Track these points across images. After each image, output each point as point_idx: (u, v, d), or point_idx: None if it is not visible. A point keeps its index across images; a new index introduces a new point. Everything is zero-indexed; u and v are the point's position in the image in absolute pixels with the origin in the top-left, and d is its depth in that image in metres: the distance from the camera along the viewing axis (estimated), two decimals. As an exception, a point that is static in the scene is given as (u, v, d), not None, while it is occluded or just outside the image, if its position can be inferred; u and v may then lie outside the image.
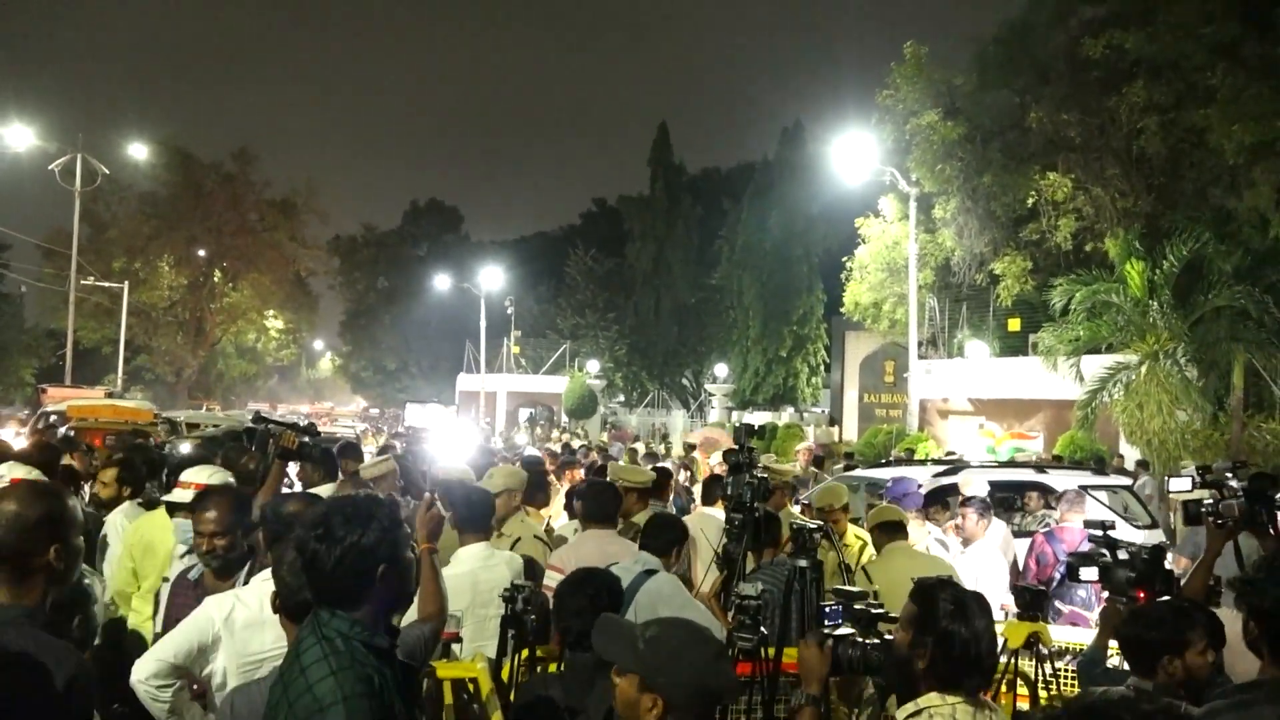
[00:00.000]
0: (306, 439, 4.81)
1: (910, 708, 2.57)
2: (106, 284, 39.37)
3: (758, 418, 32.65)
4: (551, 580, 4.85)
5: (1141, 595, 3.96)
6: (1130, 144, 19.13)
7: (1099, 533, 3.99)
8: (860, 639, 2.89)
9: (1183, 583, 4.00)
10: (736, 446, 4.53)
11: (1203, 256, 17.35)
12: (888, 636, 2.94)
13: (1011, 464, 12.05)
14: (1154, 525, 9.50)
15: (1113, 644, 3.86)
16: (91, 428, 11.34)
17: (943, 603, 2.52)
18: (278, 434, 4.77)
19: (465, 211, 61.89)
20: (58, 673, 2.11)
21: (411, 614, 3.11)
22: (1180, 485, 4.45)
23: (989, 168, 20.73)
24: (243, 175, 50.44)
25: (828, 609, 3.03)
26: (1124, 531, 8.10)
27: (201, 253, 49.63)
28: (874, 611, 3.00)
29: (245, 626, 3.11)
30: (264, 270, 50.75)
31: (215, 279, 51.14)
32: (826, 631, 2.96)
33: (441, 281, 45.52)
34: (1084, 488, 9.15)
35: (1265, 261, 17.63)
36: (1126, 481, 10.97)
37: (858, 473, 11.33)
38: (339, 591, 2.20)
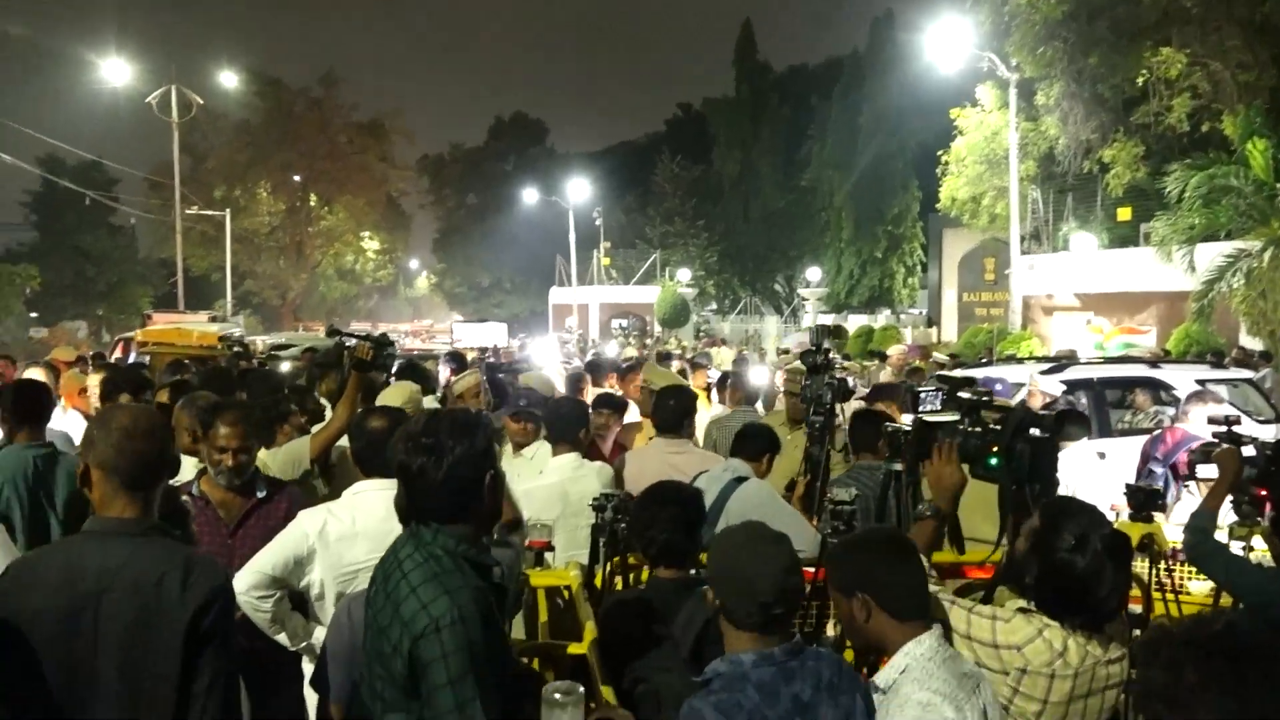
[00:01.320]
0: (382, 349, 4.80)
1: (1022, 603, 2.46)
2: (210, 212, 40.59)
3: (853, 321, 32.09)
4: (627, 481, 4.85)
5: (1263, 493, 3.73)
6: (1254, 11, 17.65)
7: (1222, 428, 3.74)
8: (962, 425, 2.82)
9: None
10: (814, 347, 4.38)
11: (1335, 131, 16.14)
12: (993, 426, 2.84)
13: (1123, 360, 11.52)
14: (1278, 419, 8.96)
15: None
16: (164, 352, 11.34)
17: (1066, 531, 2.35)
18: (353, 346, 4.78)
19: (550, 124, 61.23)
20: (214, 578, 2.17)
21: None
22: None
23: (1096, 47, 19.43)
24: (330, 99, 50.95)
25: (924, 393, 2.94)
26: (1246, 427, 7.68)
27: (296, 177, 50.62)
28: (977, 399, 2.88)
29: (339, 539, 3.16)
30: (356, 192, 51.53)
31: (311, 203, 52.21)
32: (922, 413, 2.89)
33: (529, 195, 45.53)
34: (1201, 382, 8.69)
35: (1406, 133, 16.25)
36: (1248, 374, 10.33)
37: (955, 374, 10.99)
38: (446, 505, 2.15)
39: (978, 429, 2.82)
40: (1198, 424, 6.27)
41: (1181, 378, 8.86)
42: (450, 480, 2.12)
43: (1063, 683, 2.35)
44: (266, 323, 47.79)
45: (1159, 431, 6.52)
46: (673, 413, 4.85)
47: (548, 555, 4.01)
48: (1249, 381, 9.74)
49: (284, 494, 3.70)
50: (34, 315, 41.86)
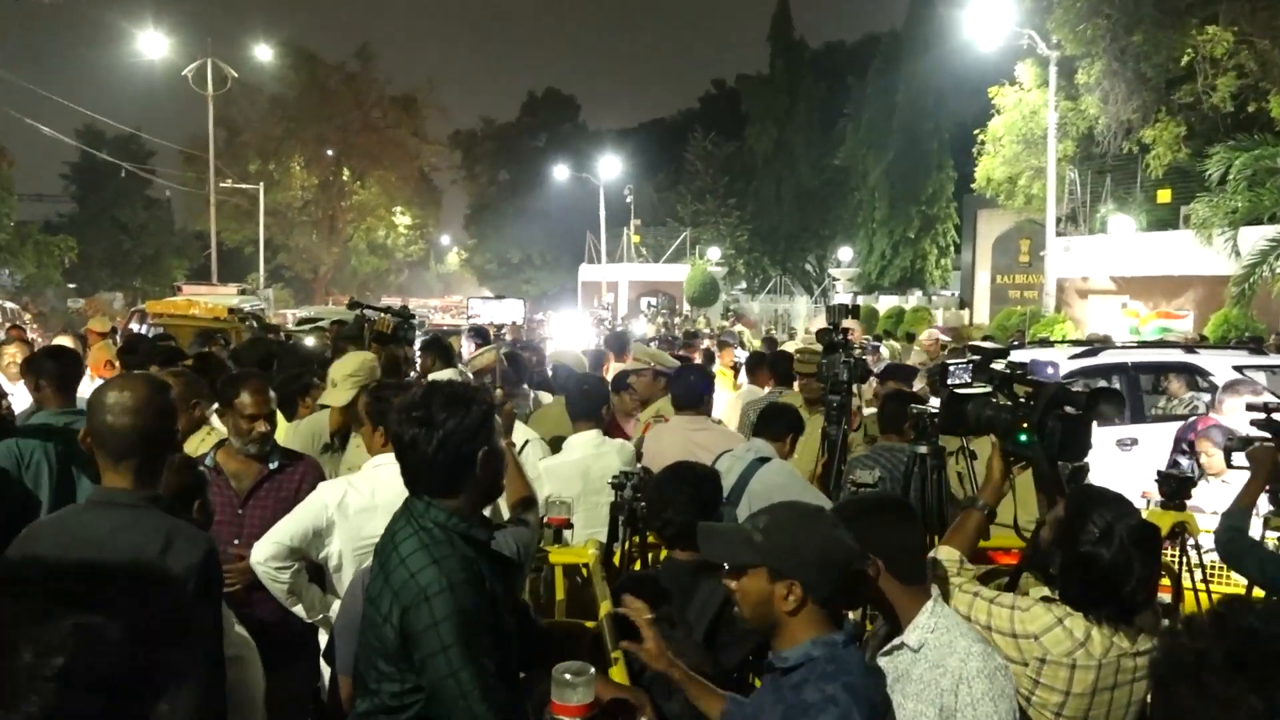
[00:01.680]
0: (404, 322, 4.80)
1: (1046, 591, 2.41)
2: (244, 186, 40.88)
3: (884, 302, 31.80)
4: (646, 458, 4.84)
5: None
6: (1306, -12, 17.16)
7: (1261, 415, 3.63)
8: (994, 399, 2.76)
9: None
10: (831, 326, 4.33)
11: (1386, 112, 15.68)
12: (1022, 400, 2.78)
13: (1159, 344, 11.30)
14: None
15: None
16: (176, 324, 11.26)
17: (1092, 523, 2.29)
18: (374, 319, 4.78)
19: (582, 100, 61.18)
20: (191, 554, 2.15)
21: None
22: None
23: (1139, 24, 18.98)
24: (364, 73, 51.05)
25: (953, 366, 2.88)
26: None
27: (330, 152, 50.85)
28: (1009, 372, 2.83)
29: (358, 511, 3.16)
30: (389, 167, 51.70)
31: (344, 177, 52.45)
32: (952, 385, 2.84)
33: (560, 172, 45.45)
34: (1239, 368, 8.50)
35: None
36: None
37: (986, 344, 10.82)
38: (438, 478, 2.14)
39: (1009, 403, 2.76)
40: (1232, 414, 6.12)
41: (1218, 363, 8.67)
42: (441, 453, 2.10)
43: (1085, 673, 2.29)
44: (299, 296, 48.19)
45: (1192, 419, 6.38)
46: (693, 389, 4.83)
47: (566, 533, 3.99)
48: None
49: (299, 466, 3.69)
50: (72, 286, 42.49)
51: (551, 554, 3.82)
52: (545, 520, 4.01)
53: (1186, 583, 3.93)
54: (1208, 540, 4.36)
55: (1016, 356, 9.09)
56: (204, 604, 2.17)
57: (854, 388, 4.05)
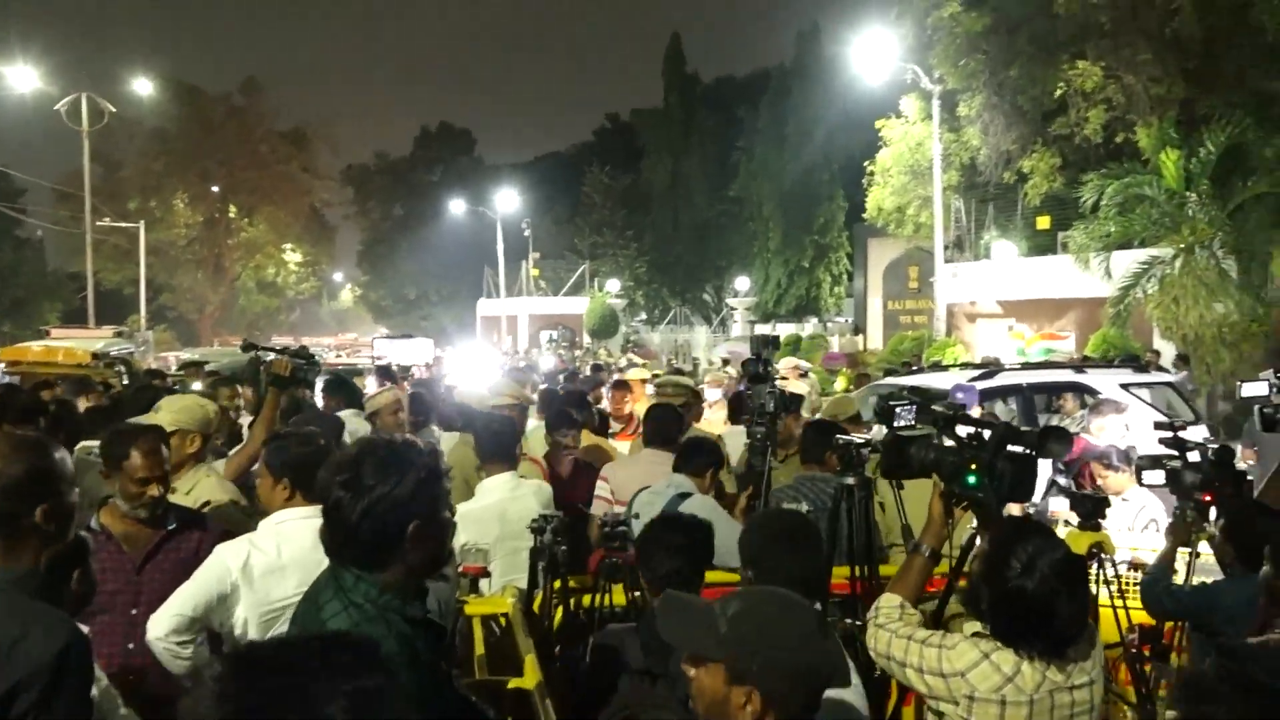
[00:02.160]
0: (302, 363, 4.56)
1: (979, 626, 2.36)
2: (123, 224, 39.18)
3: (781, 329, 32.34)
4: (601, 490, 4.72)
5: (1208, 498, 3.74)
6: (1163, 26, 18.24)
7: (1169, 434, 3.73)
8: (936, 440, 2.72)
9: (1257, 492, 3.75)
10: (755, 357, 4.32)
11: (1241, 143, 16.75)
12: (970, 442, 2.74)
13: (1049, 364, 11.72)
14: (1197, 421, 9.15)
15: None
16: (36, 372, 10.45)
17: (1015, 557, 2.25)
18: (269, 361, 4.53)
19: (477, 134, 60.69)
20: (48, 645, 1.89)
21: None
22: (1255, 389, 4.19)
23: (1016, 59, 19.90)
24: (251, 107, 49.79)
25: (898, 408, 2.83)
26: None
27: (215, 188, 49.30)
28: (952, 413, 2.79)
29: (265, 574, 2.92)
30: (279, 203, 50.43)
31: (231, 214, 50.90)
32: (898, 428, 2.79)
33: (456, 206, 45.04)
34: (1126, 385, 8.85)
35: (1308, 145, 16.92)
36: (1170, 378, 10.59)
37: (889, 380, 11.05)
38: (363, 548, 1.90)
39: (954, 444, 2.71)
40: (1100, 434, 6.35)
41: (1106, 382, 9.00)
42: (366, 522, 1.87)
43: (1017, 709, 2.25)
44: (183, 338, 46.34)
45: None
46: (663, 426, 4.80)
47: (482, 582, 3.82)
48: (1170, 385, 9.96)
49: (198, 524, 3.41)
50: (-67, 332, 39.94)
51: (468, 605, 3.64)
52: (461, 569, 3.83)
53: (1104, 599, 3.99)
54: (1121, 556, 4.44)
55: (914, 380, 9.30)
56: (59, 700, 1.88)
57: (779, 419, 4.00)
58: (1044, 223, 22.46)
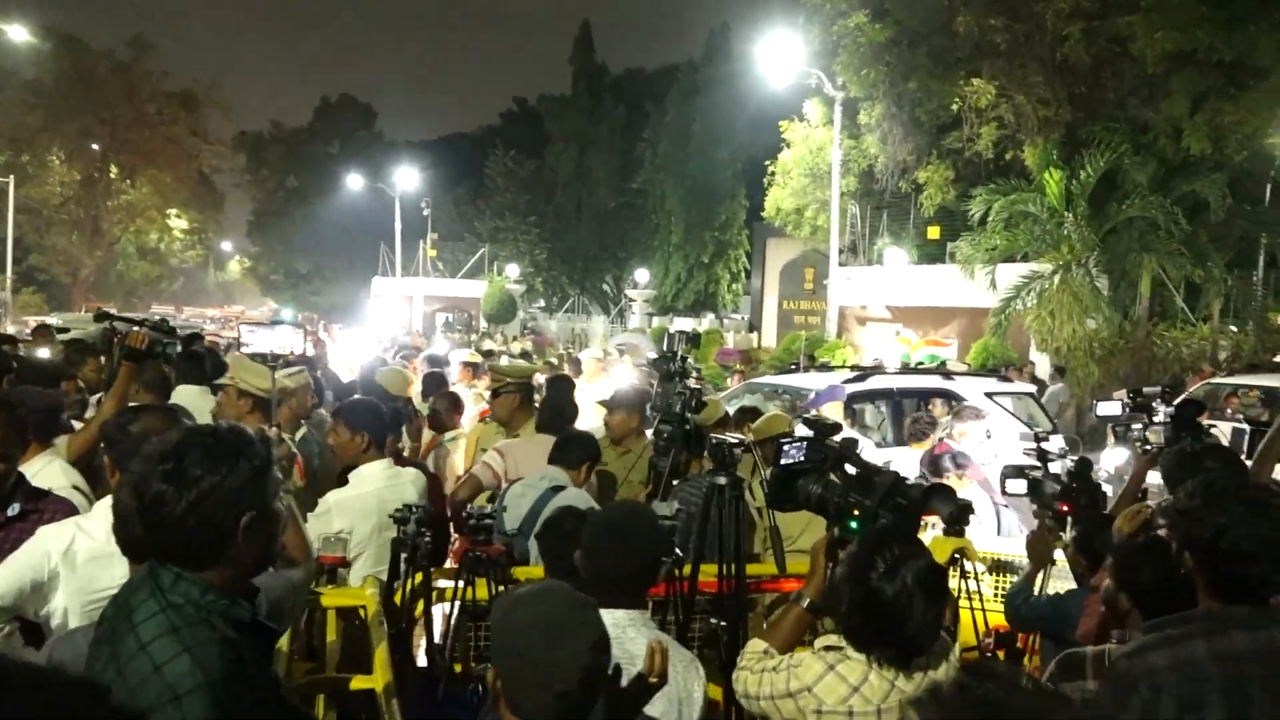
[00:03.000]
0: (161, 336, 4.27)
1: (832, 640, 2.35)
2: (-10, 178, 36.84)
3: (678, 324, 32.50)
4: (493, 461, 4.59)
5: (1066, 509, 3.85)
6: (1054, 51, 19.00)
7: (1033, 445, 3.82)
8: (829, 478, 2.68)
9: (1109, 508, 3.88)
10: (669, 354, 4.19)
11: (1118, 167, 17.56)
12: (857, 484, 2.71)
13: (920, 371, 12.09)
14: (1054, 431, 9.54)
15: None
16: None
17: (880, 558, 2.24)
18: (124, 332, 4.22)
19: (379, 109, 59.26)
20: None
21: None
22: (1110, 409, 4.34)
23: (915, 72, 20.43)
24: (138, 64, 47.37)
25: (786, 446, 2.77)
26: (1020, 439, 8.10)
27: (95, 146, 46.80)
28: (843, 451, 2.75)
29: (89, 560, 2.69)
30: (164, 166, 48.17)
31: (111, 174, 48.39)
32: (785, 461, 2.74)
33: (354, 181, 43.83)
34: (990, 394, 9.19)
35: (1177, 173, 17.89)
36: (1030, 388, 11.05)
37: (765, 379, 11.20)
38: (188, 547, 1.74)
39: (841, 485, 2.68)
40: (962, 440, 6.56)
41: (971, 389, 9.33)
42: (193, 518, 1.71)
43: None
44: (54, 302, 43.90)
45: (931, 448, 6.79)
46: (560, 412, 4.68)
47: (341, 571, 3.65)
48: (1030, 395, 10.39)
49: (46, 506, 3.07)
50: None
51: (325, 595, 3.47)
52: (318, 558, 3.66)
53: (964, 606, 4.07)
54: (983, 565, 4.55)
55: (798, 380, 9.42)
56: None
57: (687, 418, 3.88)
58: (934, 233, 23.13)
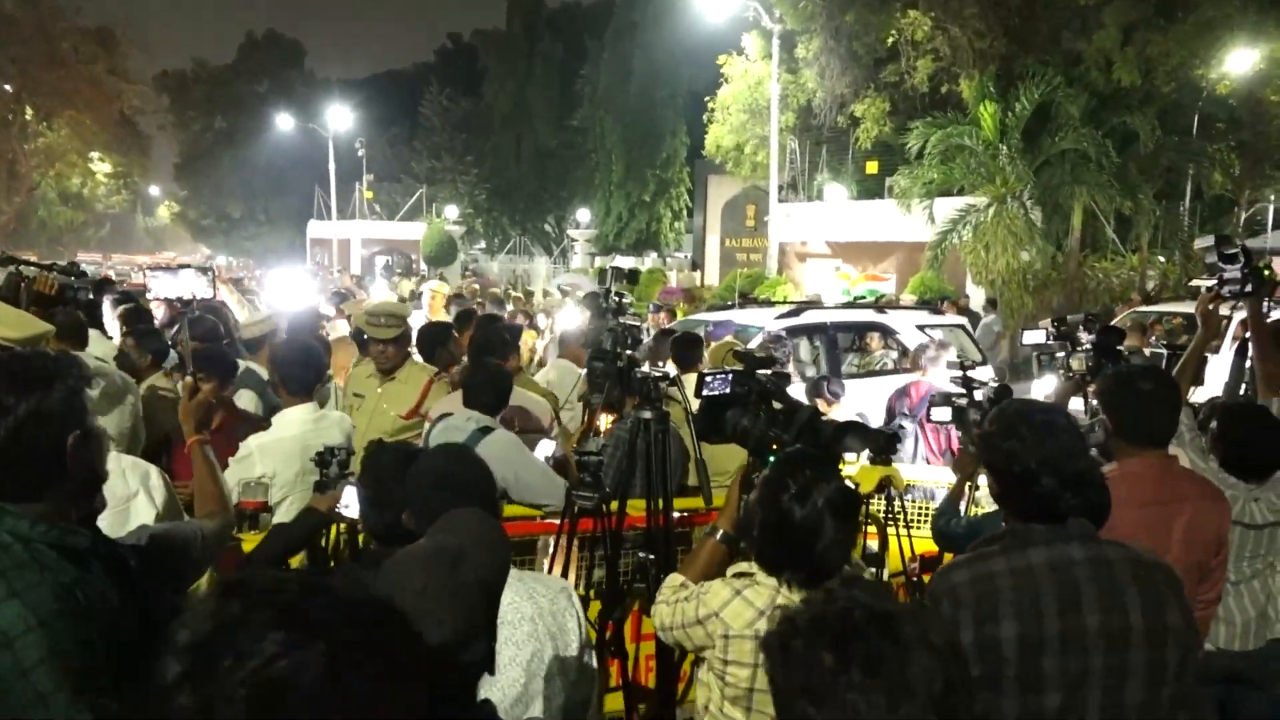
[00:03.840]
0: (72, 281, 4.12)
1: (743, 566, 2.36)
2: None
3: (620, 263, 32.36)
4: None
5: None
6: (989, -17, 18.96)
7: (959, 373, 3.86)
8: (755, 411, 2.67)
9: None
10: (605, 291, 4.14)
11: (1052, 100, 17.69)
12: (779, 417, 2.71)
13: (853, 306, 12.23)
14: (984, 362, 9.75)
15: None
16: None
17: (792, 479, 2.25)
18: (32, 278, 4.06)
19: (308, 46, 57.10)
20: None
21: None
22: (1034, 337, 4.41)
23: (852, 5, 20.28)
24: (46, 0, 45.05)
25: (709, 378, 2.77)
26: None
27: (7, 88, 44.64)
28: (770, 386, 2.76)
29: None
30: (83, 108, 46.09)
31: (26, 116, 46.28)
32: (708, 393, 2.72)
33: (285, 122, 42.55)
34: (921, 326, 9.33)
35: (1108, 105, 18.09)
36: (961, 320, 11.25)
37: (698, 316, 11.24)
38: (14, 478, 1.67)
39: (765, 418, 2.67)
40: (938, 375, 6.64)
41: (904, 322, 9.49)
42: (15, 448, 1.66)
43: None
44: (-28, 251, 42.14)
45: (904, 385, 6.87)
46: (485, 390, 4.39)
47: (264, 516, 3.59)
48: (961, 327, 10.60)
49: None
50: None
51: (245, 542, 3.41)
52: (240, 503, 3.59)
53: (892, 530, 4.15)
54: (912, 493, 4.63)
55: (731, 315, 9.43)
56: None
57: (620, 354, 3.83)
58: (872, 168, 23.22)
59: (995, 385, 3.94)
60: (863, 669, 1.21)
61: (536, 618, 2.20)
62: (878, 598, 1.28)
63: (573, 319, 9.79)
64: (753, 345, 7.04)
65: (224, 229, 53.51)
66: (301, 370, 4.17)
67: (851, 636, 1.24)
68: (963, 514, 3.61)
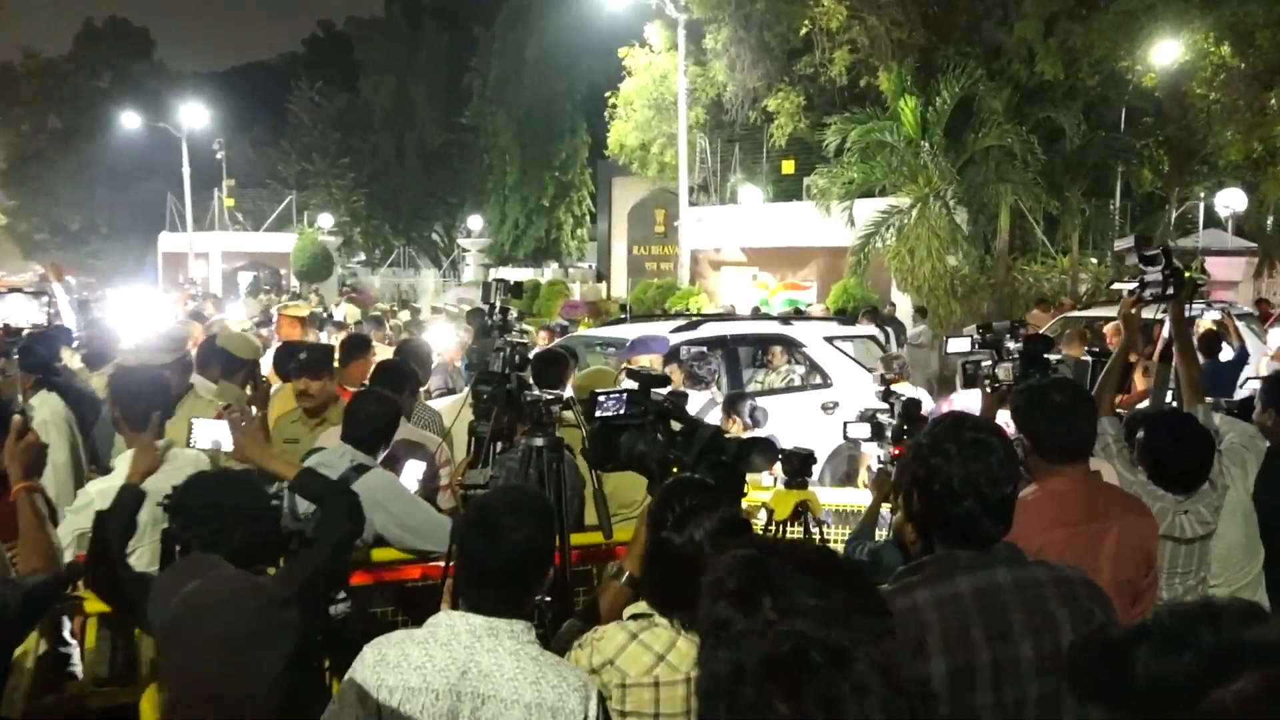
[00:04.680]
0: None
1: (640, 606, 2.37)
2: None
3: (519, 275, 32.27)
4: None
5: (897, 451, 4.03)
6: (906, -30, 19.59)
7: (880, 387, 3.97)
8: (653, 433, 2.68)
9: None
10: (489, 305, 4.13)
11: (974, 94, 18.32)
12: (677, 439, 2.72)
13: (756, 317, 12.40)
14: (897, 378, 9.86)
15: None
16: None
17: (671, 509, 2.27)
18: None
19: (157, 35, 55.80)
20: None
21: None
22: (959, 346, 4.53)
23: (762, -8, 20.72)
24: None
25: (602, 399, 2.75)
26: (867, 381, 8.38)
27: None
28: (668, 405, 2.76)
29: None
30: (-111, 105, 44.06)
31: None
32: (600, 415, 2.71)
33: (131, 120, 41.26)
34: (830, 339, 9.50)
35: (1032, 99, 18.83)
36: (872, 330, 11.48)
37: (584, 333, 11.27)
38: None
39: (663, 440, 2.68)
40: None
41: (811, 335, 9.60)
42: None
43: (672, 690, 2.28)
44: None
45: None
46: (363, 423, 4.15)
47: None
48: (872, 338, 10.84)
49: None
50: None
51: (87, 601, 3.29)
52: (77, 557, 3.46)
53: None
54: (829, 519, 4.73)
55: (620, 332, 9.40)
56: None
57: (509, 376, 3.79)
58: (789, 167, 23.65)
59: (905, 399, 4.06)
60: (823, 716, 1.17)
61: (533, 708, 2.13)
62: (826, 624, 1.23)
63: (447, 338, 9.72)
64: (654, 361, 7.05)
65: (60, 243, 51.40)
66: (136, 401, 4.04)
67: (806, 680, 1.19)
68: (879, 539, 3.70)
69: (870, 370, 9.21)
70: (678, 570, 2.21)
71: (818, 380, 9.18)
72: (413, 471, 4.14)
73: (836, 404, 8.63)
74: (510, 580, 2.23)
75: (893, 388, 4.58)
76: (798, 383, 9.34)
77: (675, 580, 2.23)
